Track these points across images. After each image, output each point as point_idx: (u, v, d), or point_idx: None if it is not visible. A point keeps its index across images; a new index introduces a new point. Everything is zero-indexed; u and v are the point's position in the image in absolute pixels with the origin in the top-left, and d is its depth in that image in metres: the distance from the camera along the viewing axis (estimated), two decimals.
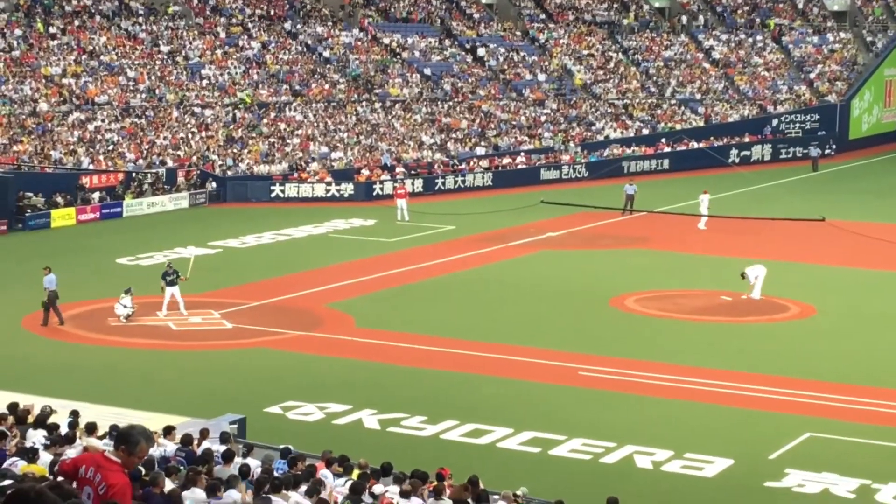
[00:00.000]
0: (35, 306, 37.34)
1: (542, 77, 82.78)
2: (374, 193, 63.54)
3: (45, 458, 16.85)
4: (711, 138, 78.66)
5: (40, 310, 36.37)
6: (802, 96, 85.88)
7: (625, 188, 59.16)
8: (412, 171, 67.33)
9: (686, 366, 32.60)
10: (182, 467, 17.22)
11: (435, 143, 72.32)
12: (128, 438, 9.05)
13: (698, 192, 56.59)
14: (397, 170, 66.67)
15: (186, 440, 19.73)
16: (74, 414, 21.69)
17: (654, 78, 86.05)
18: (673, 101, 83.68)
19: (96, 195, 57.50)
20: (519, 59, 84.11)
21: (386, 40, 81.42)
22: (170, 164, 62.31)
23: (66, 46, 68.41)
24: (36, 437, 18.88)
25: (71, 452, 16.07)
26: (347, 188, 63.54)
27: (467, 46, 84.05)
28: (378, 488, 18.34)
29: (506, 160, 71.18)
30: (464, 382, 31.05)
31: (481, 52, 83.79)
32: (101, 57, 68.78)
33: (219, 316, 37.60)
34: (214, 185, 62.13)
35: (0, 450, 17.34)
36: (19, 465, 16.17)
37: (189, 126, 66.71)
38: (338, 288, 42.01)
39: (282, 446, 20.79)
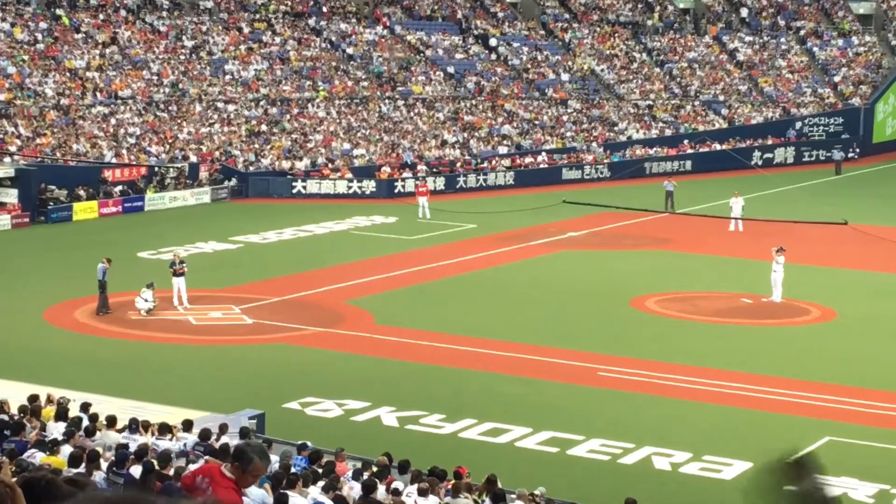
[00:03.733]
0: (56, 299, 37.54)
1: (565, 77, 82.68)
2: (396, 191, 63.54)
3: (66, 450, 16.90)
4: (732, 140, 78.41)
5: (62, 302, 36.51)
6: (826, 99, 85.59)
7: (664, 185, 59.52)
8: (434, 169, 67.32)
9: (706, 368, 32.52)
10: (201, 461, 17.25)
11: (457, 141, 72.32)
12: (242, 455, 8.73)
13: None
14: (419, 168, 66.68)
15: (205, 435, 19.77)
16: (86, 406, 21.73)
17: (678, 79, 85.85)
18: (696, 103, 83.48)
19: (118, 189, 57.67)
20: (542, 59, 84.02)
21: (409, 38, 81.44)
22: (192, 158, 62.45)
23: (90, 40, 68.61)
24: (57, 429, 18.94)
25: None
26: (369, 185, 63.57)
27: (491, 45, 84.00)
28: (396, 485, 18.35)
29: (528, 159, 71.13)
30: (483, 381, 31.04)
31: (505, 50, 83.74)
32: (126, 51, 68.97)
33: (239, 311, 37.65)
34: (236, 180, 62.22)
35: (20, 441, 17.40)
36: (38, 457, 16.23)
37: (212, 121, 66.85)
38: (358, 285, 42.04)
39: (299, 442, 20.82)
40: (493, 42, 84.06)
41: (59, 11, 69.37)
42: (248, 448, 8.79)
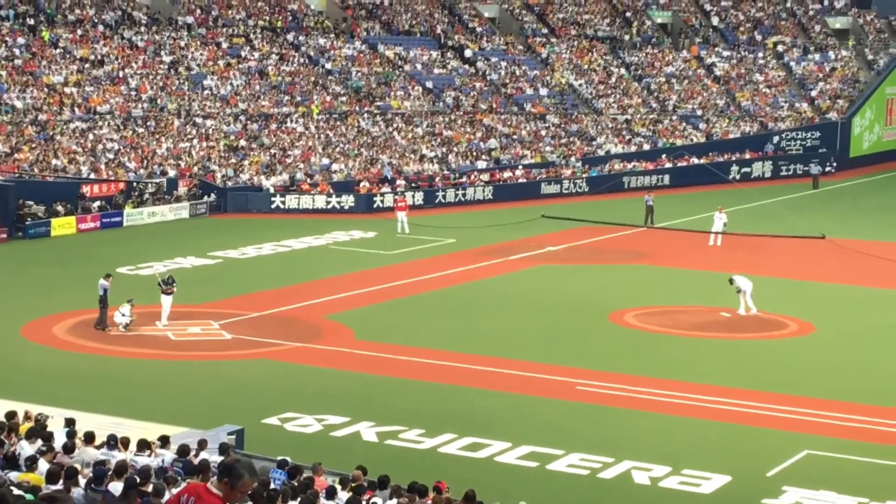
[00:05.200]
0: (34, 315, 37.44)
1: (543, 91, 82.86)
2: (375, 206, 63.58)
3: (44, 466, 16.82)
4: (712, 154, 78.68)
5: (40, 318, 36.44)
6: (804, 114, 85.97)
7: (645, 199, 59.76)
8: (413, 184, 67.37)
9: (685, 382, 32.57)
10: (179, 478, 17.20)
11: (436, 156, 72.38)
12: (231, 471, 8.58)
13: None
14: (398, 182, 66.71)
15: (183, 451, 19.71)
16: (70, 422, 21.68)
17: (656, 93, 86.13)
18: (674, 117, 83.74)
19: (96, 204, 57.51)
20: (521, 74, 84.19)
21: (388, 53, 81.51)
22: (171, 174, 62.33)
23: (68, 55, 68.48)
24: (34, 446, 18.84)
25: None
26: (348, 200, 63.57)
27: (469, 59, 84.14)
28: (375, 500, 18.32)
29: (506, 174, 71.24)
30: (462, 396, 31.03)
31: (483, 65, 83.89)
32: (104, 66, 68.84)
33: (218, 326, 37.57)
34: (215, 195, 62.13)
35: None
36: (14, 475, 16.15)
37: (190, 136, 66.75)
38: (337, 300, 42.00)
39: (279, 458, 20.77)
40: (467, 53, 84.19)
41: (32, 21, 69.18)
42: (237, 464, 8.68)
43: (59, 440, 19.64)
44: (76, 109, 64.89)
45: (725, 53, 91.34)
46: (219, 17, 78.16)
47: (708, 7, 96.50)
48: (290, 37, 79.41)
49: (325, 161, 68.42)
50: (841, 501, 24.07)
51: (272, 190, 63.41)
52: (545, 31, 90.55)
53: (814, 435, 28.30)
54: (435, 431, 27.65)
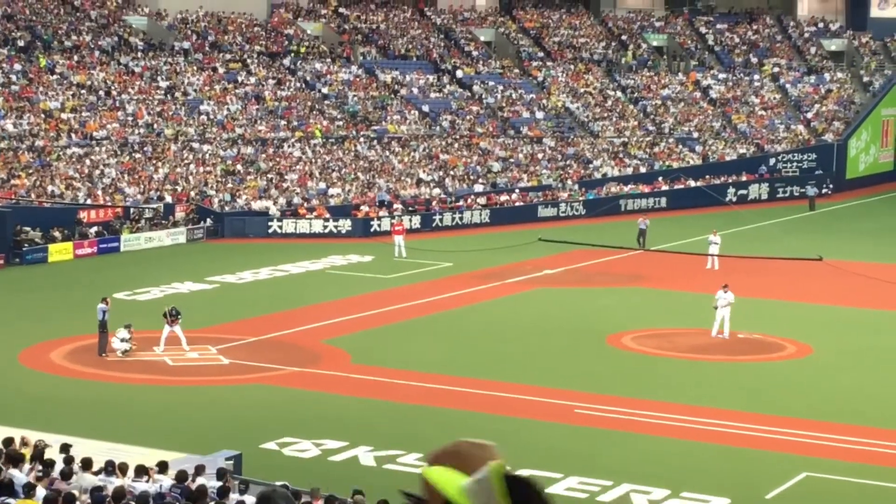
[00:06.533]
0: (32, 341, 37.40)
1: (539, 115, 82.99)
2: (372, 230, 63.58)
3: (41, 493, 16.80)
4: (709, 177, 78.76)
5: (37, 344, 36.42)
6: (800, 136, 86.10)
7: (638, 223, 59.72)
8: (410, 208, 67.38)
9: (683, 404, 32.56)
10: (177, 503, 17.18)
11: (433, 179, 72.42)
12: (267, 502, 8.64)
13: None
14: (395, 206, 66.73)
15: (181, 476, 19.68)
16: (66, 448, 21.64)
17: (652, 116, 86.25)
18: (670, 140, 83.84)
19: (94, 230, 57.50)
20: (517, 97, 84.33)
21: (384, 77, 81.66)
22: (168, 199, 62.33)
23: (65, 81, 68.58)
24: (31, 473, 18.81)
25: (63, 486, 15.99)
26: (345, 224, 63.58)
27: (465, 83, 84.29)
28: None
29: (503, 197, 71.28)
30: (460, 419, 31.00)
31: (479, 89, 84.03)
32: (100, 92, 68.94)
33: (215, 351, 37.55)
34: (212, 220, 62.12)
35: None
36: (13, 502, 16.12)
37: (187, 161, 66.78)
38: (334, 324, 41.98)
39: (278, 483, 20.73)
40: (460, 74, 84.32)
41: (22, 43, 69.30)
42: (274, 495, 8.66)
43: (57, 466, 19.61)
44: (73, 135, 64.93)
45: (721, 76, 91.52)
46: (215, 43, 78.31)
47: (703, 30, 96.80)
48: (286, 61, 79.56)
49: (322, 185, 68.44)
50: None
51: (277, 214, 63.49)
52: (541, 54, 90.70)
53: (812, 457, 28.28)
54: None
